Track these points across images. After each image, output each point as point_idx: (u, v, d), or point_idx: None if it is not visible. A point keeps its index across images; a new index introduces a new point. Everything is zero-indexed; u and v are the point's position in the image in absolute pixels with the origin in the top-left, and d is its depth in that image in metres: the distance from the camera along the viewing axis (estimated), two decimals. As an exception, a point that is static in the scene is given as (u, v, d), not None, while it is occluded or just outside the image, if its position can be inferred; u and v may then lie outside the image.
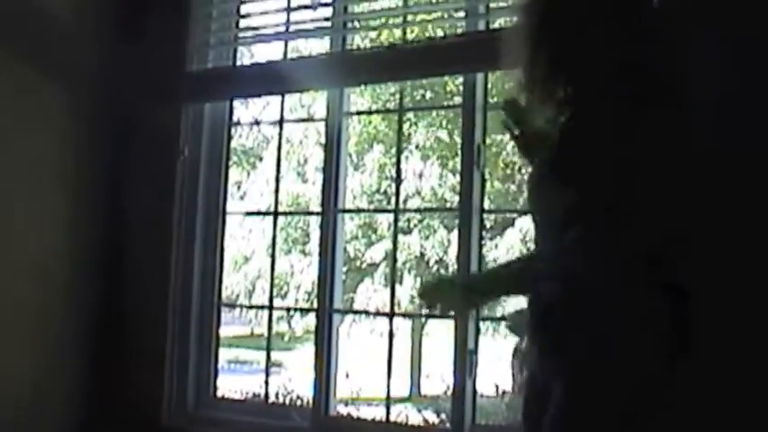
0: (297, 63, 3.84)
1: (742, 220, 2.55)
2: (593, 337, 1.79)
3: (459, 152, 3.33)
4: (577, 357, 1.81)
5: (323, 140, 3.71)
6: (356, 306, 11.73)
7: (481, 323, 3.30)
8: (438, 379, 13.10)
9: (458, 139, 11.37)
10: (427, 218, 11.89)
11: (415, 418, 8.83)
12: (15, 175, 3.57)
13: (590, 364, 1.80)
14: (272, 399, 4.14)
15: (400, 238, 12.04)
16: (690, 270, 1.94)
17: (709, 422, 2.52)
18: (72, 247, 3.81)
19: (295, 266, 12.52)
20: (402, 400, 11.48)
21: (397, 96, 10.63)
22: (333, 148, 3.56)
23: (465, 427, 3.15)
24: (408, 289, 11.64)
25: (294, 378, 10.53)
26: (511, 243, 11.09)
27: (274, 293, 4.21)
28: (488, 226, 11.08)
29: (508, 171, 11.53)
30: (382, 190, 12.28)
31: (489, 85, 3.31)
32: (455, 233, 11.39)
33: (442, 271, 12.03)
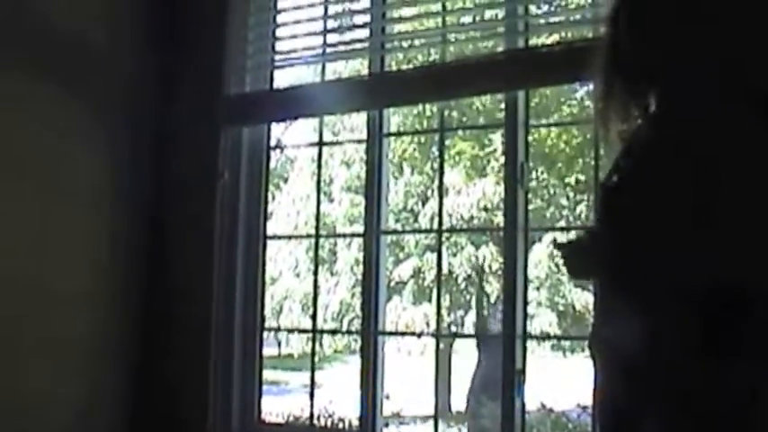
0: (335, 85, 3.84)
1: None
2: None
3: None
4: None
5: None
6: (387, 325, 11.66)
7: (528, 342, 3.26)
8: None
9: (486, 156, 11.42)
10: (454, 235, 11.85)
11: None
12: (54, 199, 3.59)
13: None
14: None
15: (427, 255, 12.00)
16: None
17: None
18: (114, 272, 3.82)
19: (322, 287, 12.51)
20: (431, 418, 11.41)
21: (429, 116, 10.75)
22: (374, 168, 3.56)
23: (515, 448, 3.12)
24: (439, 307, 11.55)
25: (334, 399, 10.51)
26: (539, 258, 11.04)
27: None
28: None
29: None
30: (408, 208, 12.27)
31: (531, 103, 3.31)
32: (483, 250, 11.55)
33: (471, 288, 12.00)
